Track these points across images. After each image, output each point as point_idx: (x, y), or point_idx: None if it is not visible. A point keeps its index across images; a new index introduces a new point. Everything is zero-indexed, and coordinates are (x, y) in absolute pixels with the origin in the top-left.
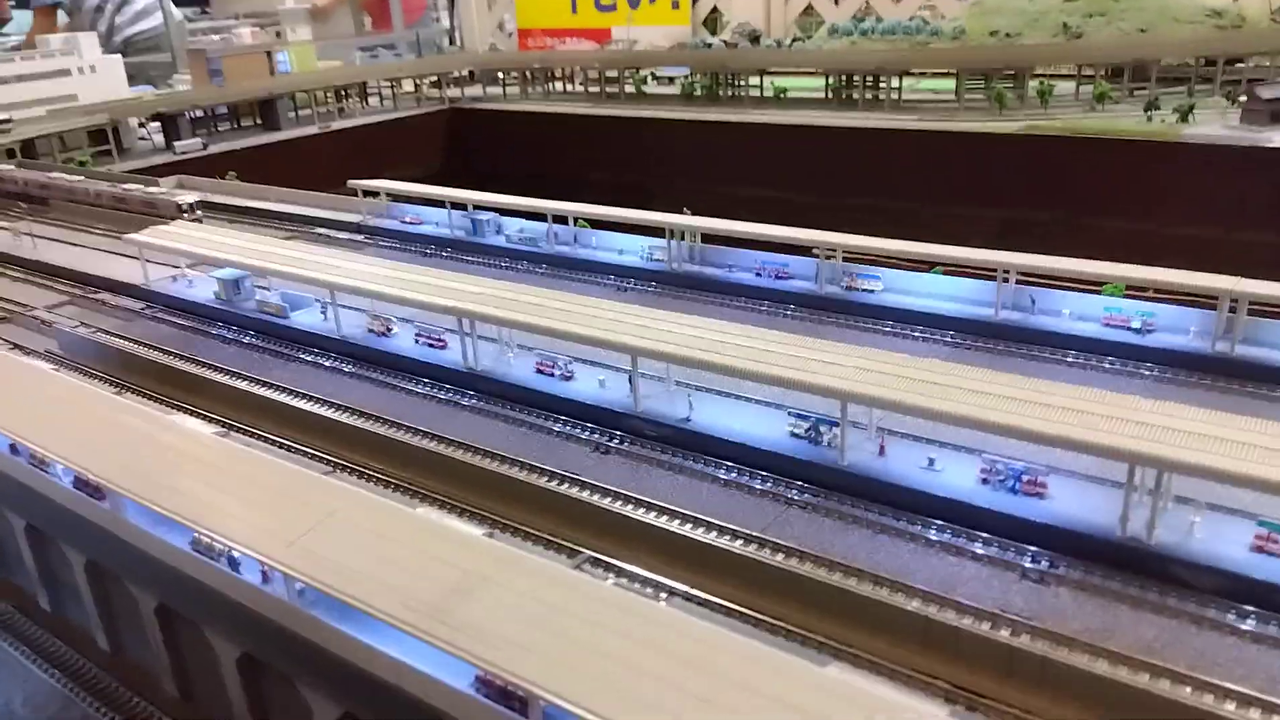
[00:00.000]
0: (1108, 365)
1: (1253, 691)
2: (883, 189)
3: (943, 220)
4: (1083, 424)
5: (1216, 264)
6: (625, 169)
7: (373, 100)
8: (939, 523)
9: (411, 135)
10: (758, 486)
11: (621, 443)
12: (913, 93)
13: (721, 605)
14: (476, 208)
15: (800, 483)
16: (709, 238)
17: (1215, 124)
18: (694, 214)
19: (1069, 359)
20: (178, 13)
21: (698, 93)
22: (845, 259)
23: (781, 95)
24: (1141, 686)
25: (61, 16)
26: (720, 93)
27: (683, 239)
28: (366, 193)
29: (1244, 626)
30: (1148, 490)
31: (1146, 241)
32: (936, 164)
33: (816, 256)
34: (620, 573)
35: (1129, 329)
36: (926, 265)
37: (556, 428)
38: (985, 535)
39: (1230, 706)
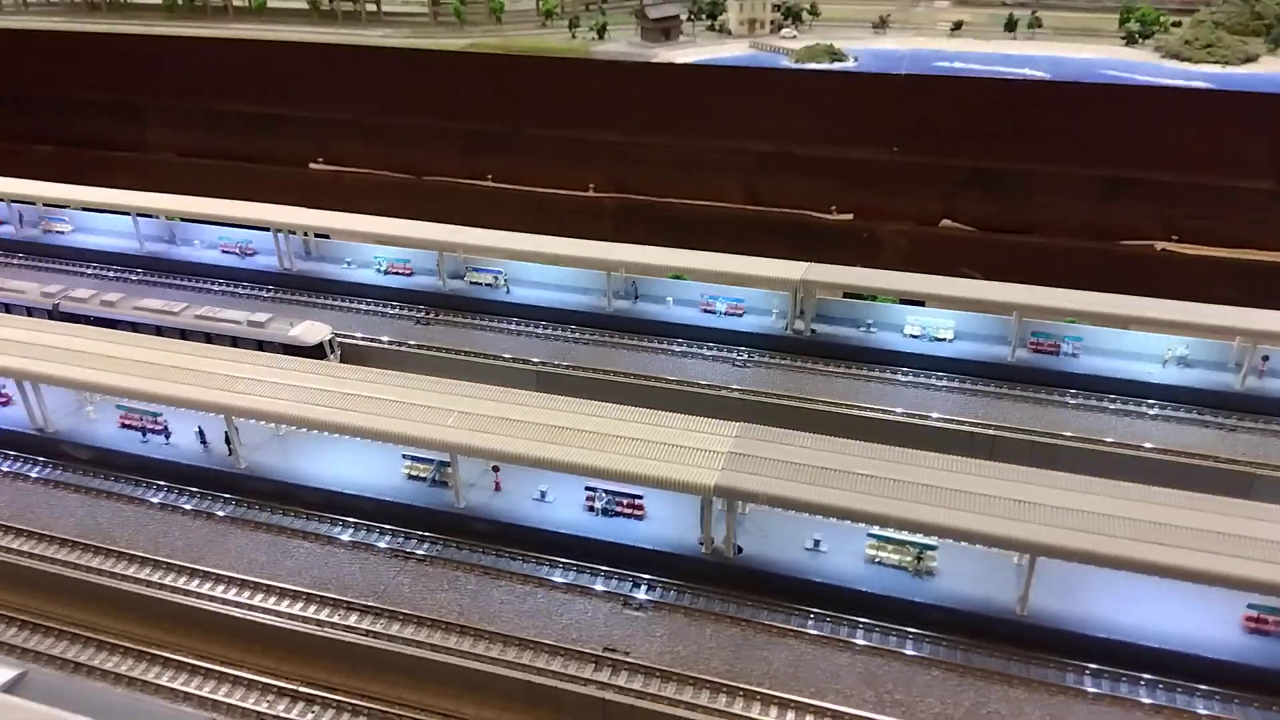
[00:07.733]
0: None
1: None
2: (368, 106)
3: (420, 134)
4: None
5: (630, 166)
6: (115, 89)
7: None
8: None
9: None
10: None
11: None
12: (401, 4)
13: None
14: None
15: None
16: None
17: (623, 41)
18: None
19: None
20: None
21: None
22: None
23: (262, 7)
24: None
25: None
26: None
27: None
28: None
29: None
30: None
31: (578, 149)
32: (409, 80)
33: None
34: None
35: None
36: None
37: None
38: None
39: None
